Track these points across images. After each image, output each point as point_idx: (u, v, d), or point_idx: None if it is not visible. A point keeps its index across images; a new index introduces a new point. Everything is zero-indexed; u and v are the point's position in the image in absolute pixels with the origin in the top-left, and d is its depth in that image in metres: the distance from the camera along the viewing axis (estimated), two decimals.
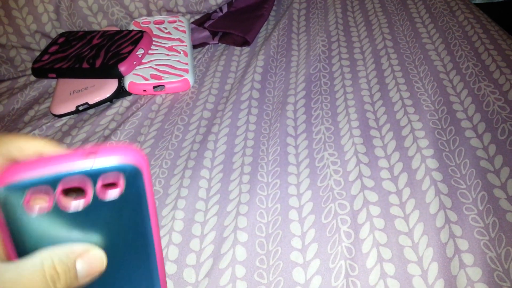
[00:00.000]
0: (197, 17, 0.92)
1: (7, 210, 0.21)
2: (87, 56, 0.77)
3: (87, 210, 0.22)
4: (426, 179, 0.54)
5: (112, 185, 0.22)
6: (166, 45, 0.81)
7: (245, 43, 0.85)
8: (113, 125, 0.71)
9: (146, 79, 0.74)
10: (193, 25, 0.91)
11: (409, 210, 0.52)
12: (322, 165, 0.59)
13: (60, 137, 0.71)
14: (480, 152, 0.56)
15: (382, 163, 0.58)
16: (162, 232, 0.54)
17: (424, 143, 0.59)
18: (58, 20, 0.85)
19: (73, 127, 0.72)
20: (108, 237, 0.23)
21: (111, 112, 0.74)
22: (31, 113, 0.78)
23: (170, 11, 0.89)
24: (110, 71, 0.73)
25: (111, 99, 0.75)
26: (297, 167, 0.59)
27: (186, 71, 0.76)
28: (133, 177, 0.22)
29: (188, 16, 0.91)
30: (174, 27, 0.85)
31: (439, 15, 0.83)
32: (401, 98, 0.66)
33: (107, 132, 0.70)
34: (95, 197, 0.21)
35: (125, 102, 0.76)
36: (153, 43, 0.81)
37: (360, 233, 0.50)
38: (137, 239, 0.24)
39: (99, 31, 0.83)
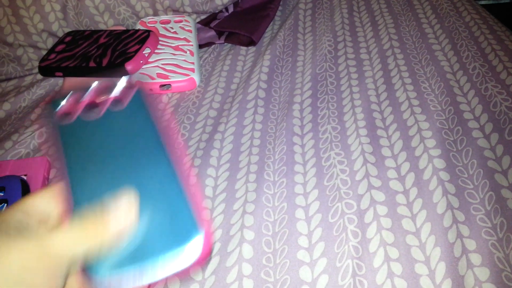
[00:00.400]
0: (203, 17, 0.92)
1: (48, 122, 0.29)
2: (94, 55, 0.77)
3: (102, 119, 0.29)
4: (434, 179, 0.54)
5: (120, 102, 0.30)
6: (173, 45, 0.81)
7: (251, 43, 0.85)
8: None
9: (153, 78, 0.75)
10: (199, 25, 0.91)
11: (416, 209, 0.52)
12: (329, 164, 0.59)
13: None
14: (488, 153, 0.56)
15: (389, 162, 0.58)
16: None
17: (431, 143, 0.59)
18: (65, 19, 0.85)
19: None
20: (124, 143, 0.29)
21: None
22: (38, 111, 0.78)
23: (176, 11, 0.89)
24: (116, 70, 0.74)
25: None
26: (304, 166, 0.59)
27: (192, 70, 0.77)
28: (136, 93, 0.30)
29: (194, 16, 0.91)
30: (180, 27, 0.85)
31: (445, 16, 0.82)
32: (408, 98, 0.66)
33: None
34: (106, 110, 0.29)
35: None
36: (160, 42, 0.81)
37: (367, 232, 0.50)
38: (148, 145, 0.29)
39: (106, 30, 0.83)
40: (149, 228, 0.26)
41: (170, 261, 0.25)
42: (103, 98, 0.30)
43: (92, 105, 0.30)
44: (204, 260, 0.25)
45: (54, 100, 0.30)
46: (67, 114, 0.30)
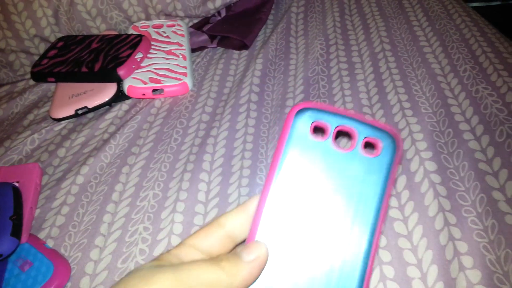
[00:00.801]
0: (195, 21, 0.92)
1: (297, 128, 0.26)
2: (86, 60, 0.77)
3: (347, 157, 0.26)
4: (425, 181, 0.55)
5: (371, 148, 0.27)
6: (165, 49, 0.81)
7: (243, 46, 0.85)
8: (112, 128, 0.72)
9: (145, 83, 0.75)
10: (192, 29, 0.91)
11: (408, 212, 0.52)
12: None
13: (59, 141, 0.71)
14: (479, 154, 0.56)
15: None
16: (160, 236, 0.54)
17: (422, 145, 0.59)
18: (57, 24, 0.85)
19: (72, 131, 0.72)
20: (345, 194, 0.26)
21: (110, 115, 0.74)
22: (30, 117, 0.78)
23: (168, 15, 0.89)
24: (109, 75, 0.74)
25: (110, 103, 0.75)
26: None
27: (185, 74, 0.77)
28: (390, 147, 0.26)
29: (187, 20, 0.91)
30: (172, 31, 0.86)
31: (436, 18, 0.83)
32: (399, 100, 0.67)
33: (106, 135, 0.70)
34: (357, 150, 0.26)
35: (124, 105, 0.76)
36: (152, 47, 0.81)
37: None
38: (366, 210, 0.26)
39: (98, 35, 0.83)
40: None
41: None
42: (358, 134, 0.26)
43: (344, 134, 0.27)
44: None
45: (312, 108, 0.26)
46: (320, 132, 0.27)
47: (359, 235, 0.26)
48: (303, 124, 0.26)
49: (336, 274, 0.26)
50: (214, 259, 0.26)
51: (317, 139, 0.26)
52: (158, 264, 0.26)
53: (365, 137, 0.26)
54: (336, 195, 0.26)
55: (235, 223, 0.29)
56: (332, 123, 0.26)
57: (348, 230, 0.26)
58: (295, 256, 0.26)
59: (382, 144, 0.26)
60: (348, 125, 0.26)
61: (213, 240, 0.29)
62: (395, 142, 0.26)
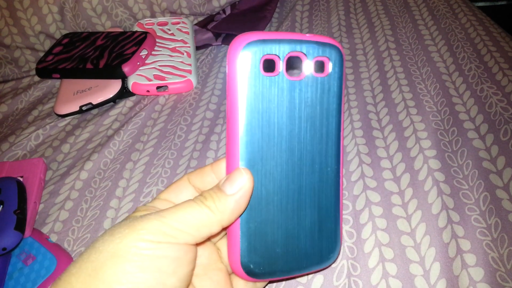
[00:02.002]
0: (200, 18, 0.93)
1: (246, 67, 0.26)
2: (91, 57, 0.77)
3: (302, 83, 0.27)
4: (429, 179, 0.54)
5: (320, 68, 0.27)
6: (170, 46, 0.81)
7: None
8: (116, 125, 0.72)
9: (150, 80, 0.75)
10: (196, 27, 0.92)
11: (412, 210, 0.52)
12: None
13: (63, 137, 0.71)
14: (483, 153, 0.56)
15: (385, 163, 0.58)
16: None
17: (426, 143, 0.59)
18: (63, 21, 0.86)
19: (76, 127, 0.73)
20: (306, 116, 0.27)
21: (114, 112, 0.74)
22: (35, 113, 0.78)
23: (173, 13, 0.90)
24: (113, 71, 0.74)
25: (114, 99, 0.75)
26: None
27: (189, 72, 0.77)
28: (338, 61, 0.27)
29: (192, 17, 0.91)
30: (177, 29, 0.86)
31: (441, 18, 0.83)
32: (404, 99, 0.67)
33: (110, 132, 0.70)
34: (310, 73, 0.27)
35: (129, 102, 0.76)
36: (157, 44, 0.81)
37: (362, 233, 0.50)
38: (330, 124, 0.28)
39: (103, 32, 0.83)
40: (299, 224, 0.27)
41: (311, 266, 0.27)
42: (307, 57, 0.27)
43: (295, 61, 0.28)
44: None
45: (258, 41, 0.26)
46: (269, 64, 0.27)
47: (329, 145, 0.28)
48: (252, 61, 0.26)
49: (317, 181, 0.27)
50: (198, 198, 0.26)
51: (270, 75, 0.26)
52: (142, 214, 0.26)
53: (315, 58, 0.27)
54: (301, 119, 0.27)
55: (204, 181, 0.29)
56: (280, 54, 0.26)
57: (319, 145, 0.27)
58: (277, 177, 0.26)
59: (331, 61, 0.27)
60: (296, 50, 0.26)
61: (184, 196, 0.29)
62: (341, 55, 0.27)
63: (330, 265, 0.28)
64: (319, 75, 0.27)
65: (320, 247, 0.28)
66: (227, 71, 0.26)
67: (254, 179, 0.26)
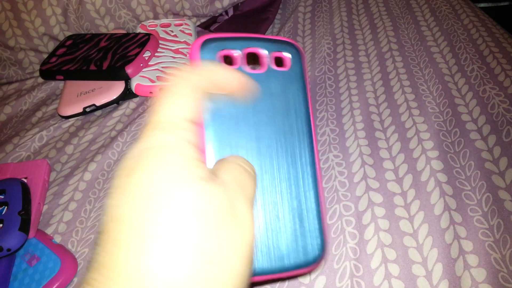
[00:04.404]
0: (203, 20, 0.93)
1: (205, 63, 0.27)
2: (95, 58, 0.77)
3: (263, 76, 0.27)
4: (431, 180, 0.55)
5: (280, 63, 0.28)
6: (173, 48, 0.82)
7: None
8: (119, 126, 0.72)
9: (153, 81, 0.75)
10: (199, 28, 0.92)
11: (414, 211, 0.52)
12: (327, 166, 0.59)
13: (67, 138, 0.71)
14: (485, 154, 0.56)
15: (387, 164, 0.58)
16: None
17: (429, 144, 0.59)
18: (66, 23, 0.86)
19: (80, 128, 0.73)
20: (272, 109, 0.27)
21: (117, 113, 0.75)
22: (39, 114, 0.78)
23: (176, 14, 0.90)
24: (117, 73, 0.74)
25: (117, 101, 0.76)
26: None
27: None
28: (297, 57, 0.28)
29: (194, 19, 0.92)
30: (180, 30, 0.86)
31: (444, 18, 0.83)
32: (406, 100, 0.67)
33: (113, 133, 0.71)
34: (270, 67, 0.28)
35: (132, 103, 0.76)
36: (160, 45, 0.82)
37: (365, 234, 0.50)
38: (298, 114, 0.28)
39: (106, 34, 0.83)
40: (275, 220, 0.26)
41: (293, 267, 0.26)
42: (265, 52, 0.28)
43: (255, 57, 0.28)
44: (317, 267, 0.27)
45: (215, 39, 0.27)
46: (228, 59, 0.27)
47: (300, 134, 0.28)
48: (210, 56, 0.27)
49: (292, 173, 0.27)
50: None
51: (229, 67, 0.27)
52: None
53: (273, 53, 0.28)
54: (266, 111, 0.27)
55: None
56: (238, 49, 0.27)
57: (290, 136, 0.27)
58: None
59: (290, 56, 0.28)
60: (254, 46, 0.28)
61: None
62: (300, 52, 0.29)
63: (317, 265, 0.27)
64: (280, 69, 0.28)
65: (303, 245, 0.27)
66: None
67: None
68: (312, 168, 0.28)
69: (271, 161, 0.27)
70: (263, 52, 0.28)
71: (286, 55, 0.28)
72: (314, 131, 0.28)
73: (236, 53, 0.27)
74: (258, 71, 0.27)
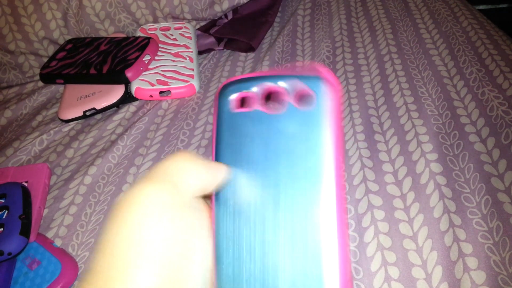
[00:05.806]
0: (202, 23, 0.93)
1: (221, 107, 0.26)
2: (95, 62, 0.78)
3: (282, 117, 0.25)
4: (430, 183, 0.55)
5: (304, 101, 0.25)
6: (172, 51, 0.82)
7: (250, 49, 0.86)
8: (119, 130, 0.72)
9: (153, 85, 0.75)
10: (199, 32, 0.92)
11: (413, 214, 0.52)
12: None
13: (67, 142, 0.72)
14: (484, 157, 0.57)
15: (387, 167, 0.58)
16: None
17: (428, 147, 0.59)
18: (66, 26, 0.86)
19: (80, 132, 0.73)
20: (285, 149, 0.25)
21: (118, 117, 0.75)
22: (39, 118, 0.79)
23: (176, 18, 0.90)
24: (117, 76, 0.74)
25: (117, 105, 0.76)
26: None
27: (192, 76, 0.77)
28: (324, 94, 0.25)
29: (194, 22, 0.92)
30: (180, 34, 0.86)
31: (442, 21, 0.83)
32: (405, 103, 0.67)
33: (113, 137, 0.71)
34: (291, 107, 0.25)
35: (132, 107, 0.77)
36: (159, 49, 0.82)
37: (365, 236, 0.51)
38: (314, 161, 0.24)
39: (106, 38, 0.84)
40: (278, 272, 0.23)
41: None
42: (285, 90, 0.26)
43: (273, 96, 0.26)
44: None
45: (234, 82, 0.27)
46: (243, 101, 0.27)
47: (313, 180, 0.24)
48: (226, 100, 0.26)
49: (303, 221, 0.24)
50: None
51: (243, 110, 0.26)
52: None
53: (295, 91, 0.25)
54: (279, 152, 0.25)
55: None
56: (255, 90, 0.26)
57: (303, 180, 0.24)
58: (251, 216, 0.25)
59: (315, 92, 0.25)
60: (272, 85, 0.26)
61: None
62: (327, 87, 0.25)
63: None
64: (303, 108, 0.25)
65: None
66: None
67: (224, 217, 0.25)
68: (325, 220, 0.24)
69: (275, 205, 0.24)
70: (283, 90, 0.26)
71: (310, 92, 0.25)
72: (339, 176, 0.24)
73: (252, 94, 0.26)
74: (277, 111, 0.25)
